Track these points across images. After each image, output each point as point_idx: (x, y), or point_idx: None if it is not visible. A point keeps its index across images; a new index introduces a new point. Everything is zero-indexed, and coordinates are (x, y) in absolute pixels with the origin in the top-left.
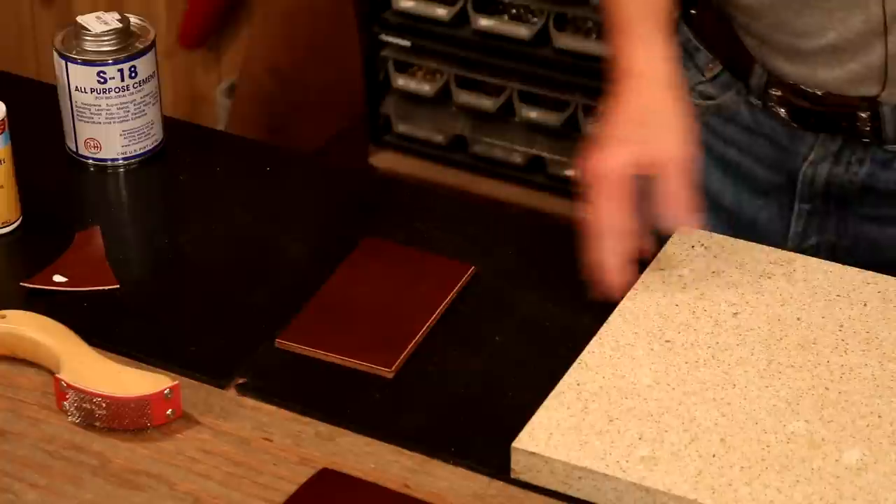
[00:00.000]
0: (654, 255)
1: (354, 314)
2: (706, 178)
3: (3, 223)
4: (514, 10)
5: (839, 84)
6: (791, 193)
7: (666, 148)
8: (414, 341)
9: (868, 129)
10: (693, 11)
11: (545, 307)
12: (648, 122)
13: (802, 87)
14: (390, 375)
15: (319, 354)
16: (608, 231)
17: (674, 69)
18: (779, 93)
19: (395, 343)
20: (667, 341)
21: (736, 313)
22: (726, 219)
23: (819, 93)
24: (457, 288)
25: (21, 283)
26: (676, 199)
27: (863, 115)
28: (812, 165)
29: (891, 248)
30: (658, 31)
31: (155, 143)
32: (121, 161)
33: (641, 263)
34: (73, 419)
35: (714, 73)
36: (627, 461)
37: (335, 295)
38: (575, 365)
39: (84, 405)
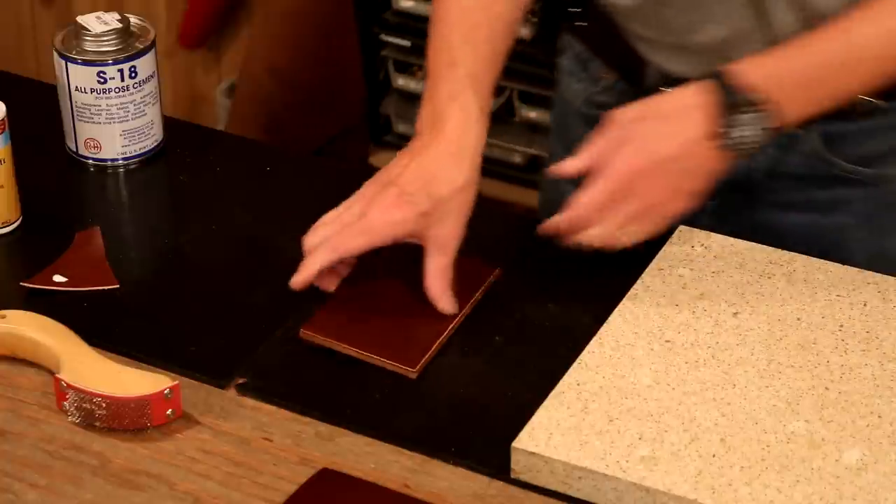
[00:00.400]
0: (654, 255)
1: (379, 309)
2: None
3: (3, 223)
4: None
5: None
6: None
7: (438, 227)
8: (438, 342)
9: None
10: (581, 23)
11: (545, 307)
12: (431, 194)
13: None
14: (414, 376)
15: (343, 348)
16: (334, 247)
17: (476, 134)
18: None
19: (419, 342)
20: (667, 341)
21: (736, 313)
22: None
23: None
24: (482, 288)
25: (21, 283)
26: (433, 278)
27: None
28: None
29: (794, 234)
30: (471, 90)
31: (155, 143)
32: (121, 161)
33: (641, 263)
34: (73, 419)
35: (609, 81)
36: (627, 461)
37: (360, 288)
38: (575, 365)
39: (84, 405)
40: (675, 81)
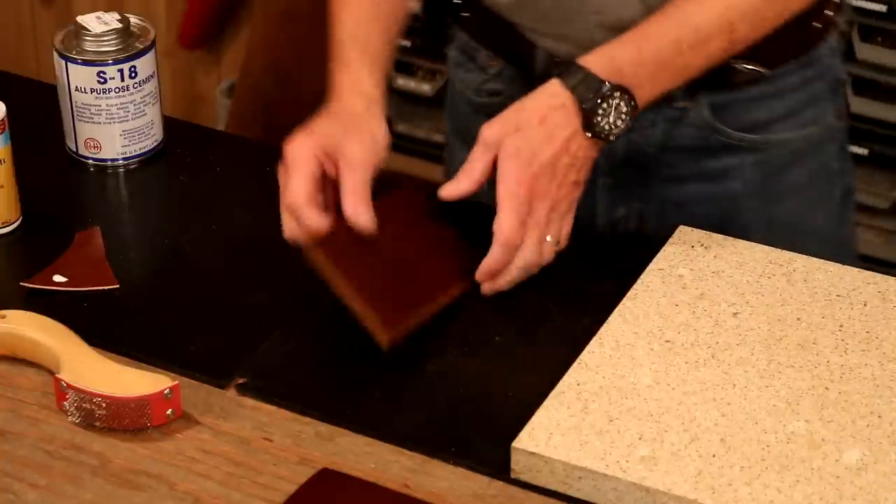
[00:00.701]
0: (653, 255)
1: (387, 255)
2: None
3: (3, 223)
4: None
5: None
6: (593, 171)
7: (347, 146)
8: (420, 313)
9: None
10: (465, 14)
11: (545, 307)
12: (340, 121)
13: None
14: (385, 346)
15: (336, 282)
16: (288, 206)
17: (376, 96)
18: None
19: (404, 310)
20: (667, 341)
21: (736, 313)
22: None
23: None
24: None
25: (21, 283)
26: (348, 194)
27: None
28: None
29: (690, 204)
30: (365, 62)
31: (155, 143)
32: (121, 161)
33: (641, 263)
34: (73, 419)
35: (496, 69)
36: (627, 461)
37: (380, 231)
38: (575, 365)
39: (84, 405)
40: (564, 64)
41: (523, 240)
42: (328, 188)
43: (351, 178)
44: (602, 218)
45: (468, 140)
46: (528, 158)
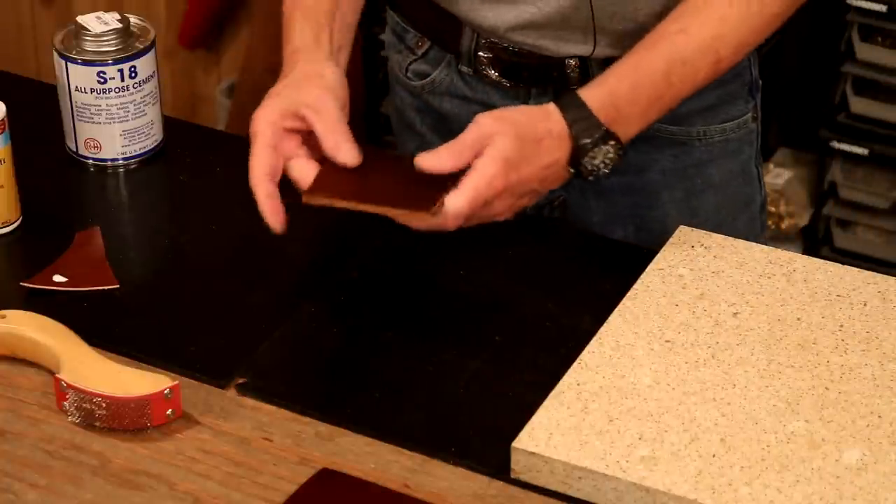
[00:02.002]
0: (654, 256)
1: (378, 170)
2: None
3: (3, 223)
4: None
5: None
6: None
7: (304, 97)
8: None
9: (576, 75)
10: None
11: (545, 307)
12: (291, 81)
13: (510, 46)
14: (433, 214)
15: (353, 205)
16: (256, 177)
17: (319, 46)
18: (489, 55)
19: (430, 187)
20: (667, 341)
21: (736, 313)
22: None
23: (527, 48)
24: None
25: (21, 283)
26: (325, 135)
27: (571, 62)
28: None
29: (614, 194)
30: (308, 23)
31: (155, 143)
32: (121, 161)
33: (641, 263)
34: (73, 419)
35: (423, 49)
36: (627, 461)
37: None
38: (575, 365)
39: (84, 405)
40: (487, 45)
41: (467, 219)
42: (312, 140)
43: (321, 122)
44: (528, 207)
45: (404, 120)
46: (510, 168)
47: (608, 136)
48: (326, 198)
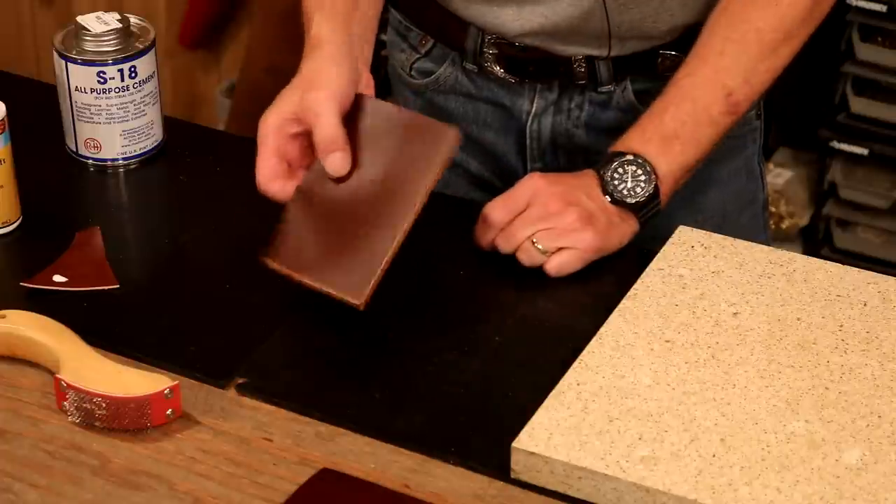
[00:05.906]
0: (654, 256)
1: (330, 230)
2: None
3: (3, 223)
4: None
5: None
6: (522, 155)
7: (310, 100)
8: (383, 265)
9: (583, 72)
10: None
11: (545, 307)
12: (300, 81)
13: (517, 42)
14: (361, 307)
15: (297, 277)
16: (262, 183)
17: (335, 39)
18: (494, 51)
19: (366, 268)
20: (667, 341)
21: (736, 313)
22: (467, 183)
23: (529, 44)
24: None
25: (21, 283)
26: (318, 145)
27: (579, 57)
28: (536, 119)
29: None
30: (324, 16)
31: (155, 143)
32: (121, 161)
33: (641, 263)
34: (73, 419)
35: (427, 47)
36: (627, 461)
37: (313, 205)
38: (575, 365)
39: (84, 405)
40: (493, 42)
41: (509, 225)
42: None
43: (318, 127)
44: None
45: None
46: (552, 181)
47: (619, 154)
48: (276, 264)
